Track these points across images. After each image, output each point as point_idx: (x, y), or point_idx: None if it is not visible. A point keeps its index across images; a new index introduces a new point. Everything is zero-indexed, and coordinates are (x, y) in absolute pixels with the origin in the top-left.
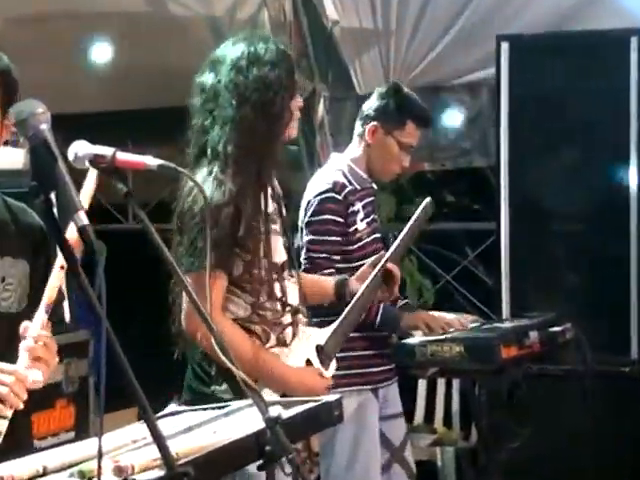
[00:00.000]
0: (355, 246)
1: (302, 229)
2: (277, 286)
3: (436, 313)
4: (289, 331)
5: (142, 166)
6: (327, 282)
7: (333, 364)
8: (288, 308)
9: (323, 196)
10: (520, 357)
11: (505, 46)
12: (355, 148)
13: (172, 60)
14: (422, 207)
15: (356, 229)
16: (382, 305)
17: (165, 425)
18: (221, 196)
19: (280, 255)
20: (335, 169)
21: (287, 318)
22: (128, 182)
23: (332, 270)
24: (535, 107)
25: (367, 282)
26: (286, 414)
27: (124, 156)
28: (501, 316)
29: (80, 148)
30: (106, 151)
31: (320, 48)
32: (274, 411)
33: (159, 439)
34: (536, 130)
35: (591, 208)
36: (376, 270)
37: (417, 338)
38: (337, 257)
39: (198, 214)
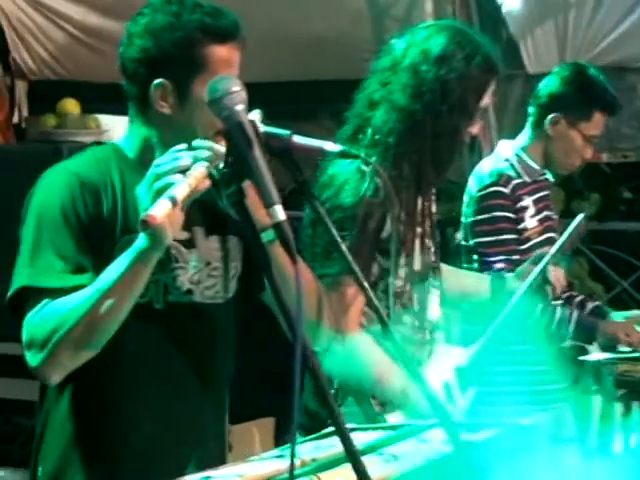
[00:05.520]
0: (522, 247)
1: (467, 227)
2: (415, 297)
3: None
4: (425, 350)
5: (319, 151)
6: (481, 279)
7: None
8: (426, 324)
9: (488, 190)
10: None
11: None
12: (528, 136)
13: (319, 30)
14: (576, 223)
15: (525, 227)
16: (575, 312)
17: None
18: (374, 194)
19: (420, 261)
20: (502, 159)
21: (425, 335)
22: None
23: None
24: None
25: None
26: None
27: (301, 139)
28: None
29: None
30: (281, 132)
31: (487, 20)
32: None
33: (356, 458)
34: None
35: None
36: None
37: (602, 354)
38: (516, 257)
39: (351, 210)
